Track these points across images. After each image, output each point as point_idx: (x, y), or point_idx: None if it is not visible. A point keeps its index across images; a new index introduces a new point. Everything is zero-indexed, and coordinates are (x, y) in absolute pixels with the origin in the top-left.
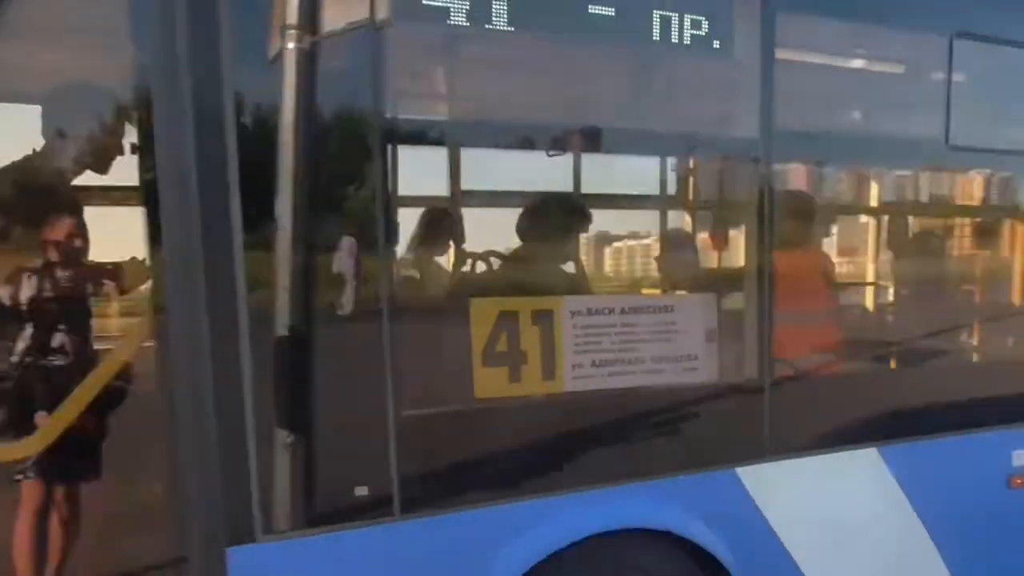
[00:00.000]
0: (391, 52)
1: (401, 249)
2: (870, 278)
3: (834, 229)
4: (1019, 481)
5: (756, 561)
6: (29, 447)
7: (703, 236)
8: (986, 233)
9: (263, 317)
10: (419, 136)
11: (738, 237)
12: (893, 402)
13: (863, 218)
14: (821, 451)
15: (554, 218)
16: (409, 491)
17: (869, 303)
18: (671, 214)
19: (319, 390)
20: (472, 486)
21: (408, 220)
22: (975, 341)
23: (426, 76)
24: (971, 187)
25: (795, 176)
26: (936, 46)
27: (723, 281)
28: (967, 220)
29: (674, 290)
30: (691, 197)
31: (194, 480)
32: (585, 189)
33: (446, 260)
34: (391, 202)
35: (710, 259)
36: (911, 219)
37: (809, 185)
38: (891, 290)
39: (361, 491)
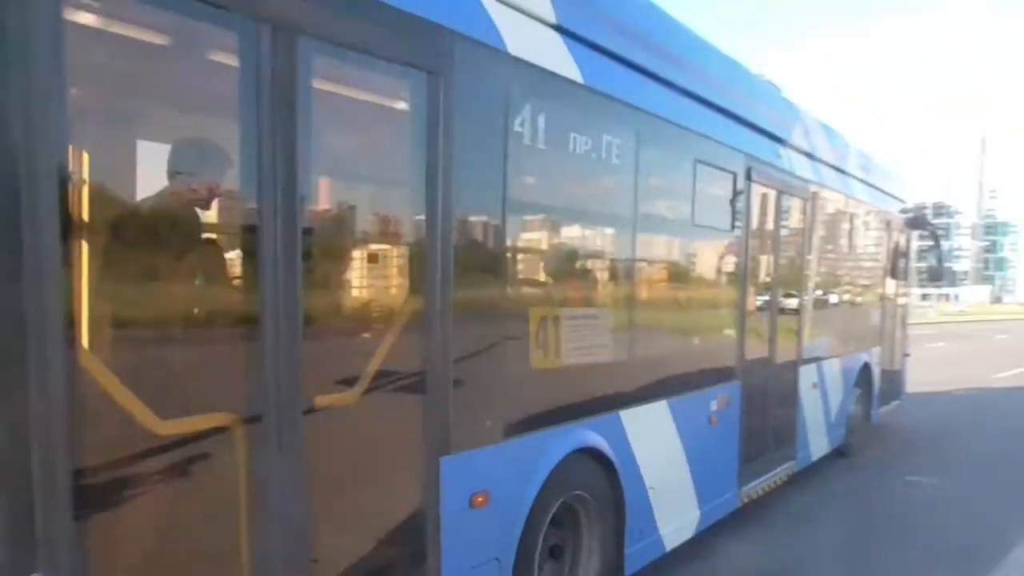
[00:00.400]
0: None
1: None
2: (656, 304)
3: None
4: (714, 420)
5: (625, 465)
6: (354, 396)
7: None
8: (697, 270)
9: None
10: None
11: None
12: (669, 373)
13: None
14: (647, 402)
15: None
16: (505, 425)
17: (655, 320)
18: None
19: (476, 371)
20: (528, 422)
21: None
22: (693, 341)
23: None
24: (687, 250)
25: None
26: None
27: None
28: (686, 267)
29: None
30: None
31: (428, 424)
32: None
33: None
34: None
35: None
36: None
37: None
38: (663, 311)
39: (490, 424)
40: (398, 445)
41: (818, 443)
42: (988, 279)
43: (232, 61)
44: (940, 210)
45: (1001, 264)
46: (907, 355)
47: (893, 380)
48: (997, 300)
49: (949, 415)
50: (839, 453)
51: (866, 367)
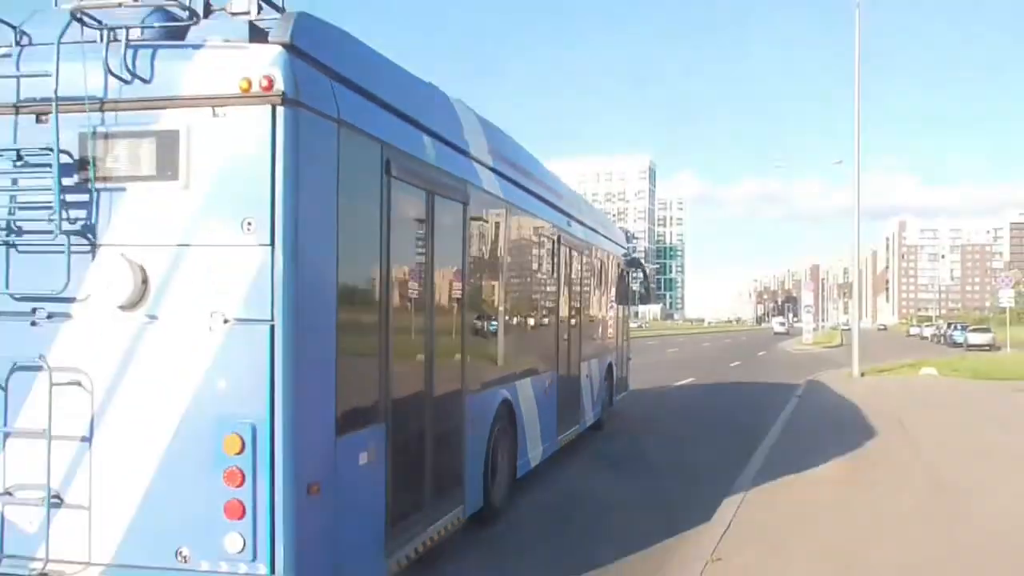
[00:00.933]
0: None
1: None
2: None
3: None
4: (547, 392)
5: (518, 412)
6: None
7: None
8: (542, 304)
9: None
10: None
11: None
12: (533, 366)
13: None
14: (524, 379)
15: None
16: (481, 384)
17: (532, 335)
18: None
19: (477, 355)
20: (489, 383)
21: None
22: (543, 348)
23: None
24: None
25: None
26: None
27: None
28: (541, 302)
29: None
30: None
31: (463, 379)
32: None
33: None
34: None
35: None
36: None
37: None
38: (534, 330)
39: (478, 382)
40: (455, 388)
41: (589, 416)
42: (660, 298)
43: (420, 213)
44: None
45: (671, 284)
46: (630, 359)
47: (623, 377)
48: (669, 316)
49: (657, 404)
50: (597, 426)
51: (610, 366)
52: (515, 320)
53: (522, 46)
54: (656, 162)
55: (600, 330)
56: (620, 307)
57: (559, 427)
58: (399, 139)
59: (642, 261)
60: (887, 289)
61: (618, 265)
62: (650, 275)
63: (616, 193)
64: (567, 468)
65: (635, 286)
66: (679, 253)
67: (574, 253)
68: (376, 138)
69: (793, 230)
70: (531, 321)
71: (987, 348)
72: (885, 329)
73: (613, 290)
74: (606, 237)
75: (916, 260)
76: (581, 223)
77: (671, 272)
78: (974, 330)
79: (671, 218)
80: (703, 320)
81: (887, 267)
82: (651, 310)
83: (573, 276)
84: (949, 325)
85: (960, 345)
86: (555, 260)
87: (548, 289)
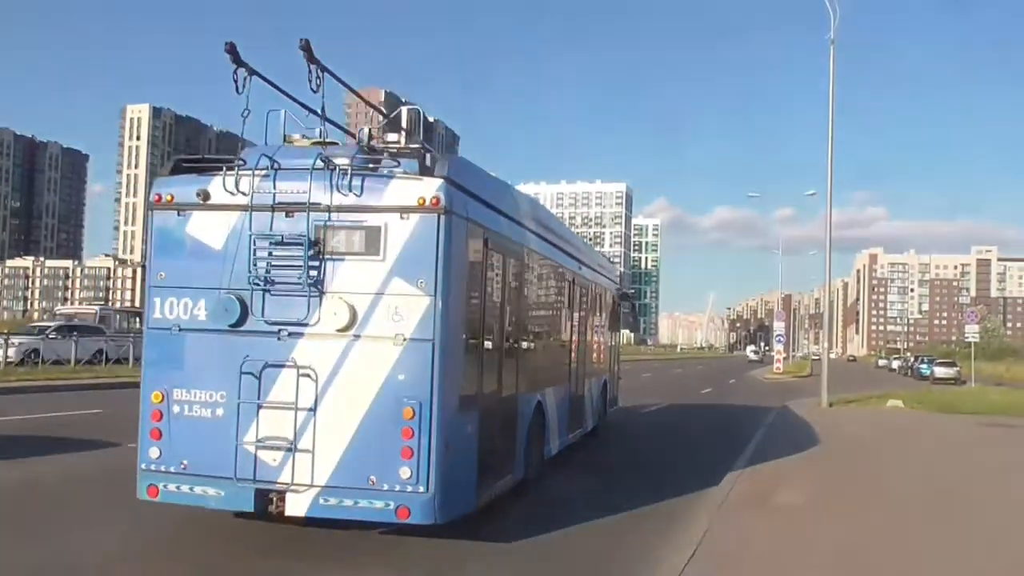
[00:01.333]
0: None
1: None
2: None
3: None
4: (563, 399)
5: (546, 412)
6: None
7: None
8: (563, 332)
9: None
10: None
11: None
12: (557, 378)
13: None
14: (551, 387)
15: None
16: (527, 388)
17: (557, 355)
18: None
19: (526, 368)
20: (530, 389)
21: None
22: (561, 365)
23: None
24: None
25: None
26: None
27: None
28: (565, 330)
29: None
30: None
31: (517, 385)
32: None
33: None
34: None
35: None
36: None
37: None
38: (560, 352)
39: (524, 387)
40: (513, 390)
41: (589, 423)
42: (638, 324)
43: (498, 269)
44: None
45: (645, 310)
46: (620, 378)
47: (615, 393)
48: (642, 342)
49: (639, 421)
50: (593, 433)
51: (605, 383)
52: (544, 342)
53: (507, 66)
54: (632, 188)
55: (599, 353)
56: (613, 334)
57: (569, 427)
58: (491, 223)
59: (630, 294)
60: (857, 321)
61: (612, 298)
62: (636, 306)
63: (593, 217)
64: (575, 463)
65: (625, 313)
66: (654, 279)
67: (583, 290)
68: (481, 225)
69: (766, 259)
70: (553, 343)
71: (952, 382)
72: (854, 360)
73: (609, 319)
74: (604, 276)
75: (886, 293)
76: (588, 266)
77: (646, 298)
78: (940, 363)
79: (646, 244)
80: (676, 346)
81: (857, 299)
82: (625, 335)
83: (581, 308)
84: (916, 358)
85: (927, 378)
86: (570, 296)
87: (564, 318)
